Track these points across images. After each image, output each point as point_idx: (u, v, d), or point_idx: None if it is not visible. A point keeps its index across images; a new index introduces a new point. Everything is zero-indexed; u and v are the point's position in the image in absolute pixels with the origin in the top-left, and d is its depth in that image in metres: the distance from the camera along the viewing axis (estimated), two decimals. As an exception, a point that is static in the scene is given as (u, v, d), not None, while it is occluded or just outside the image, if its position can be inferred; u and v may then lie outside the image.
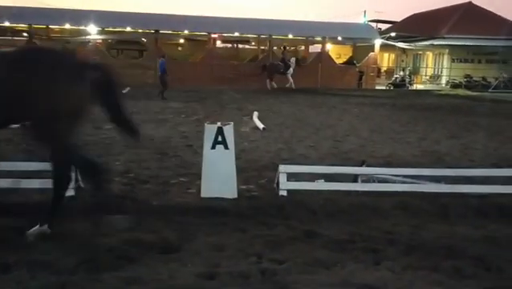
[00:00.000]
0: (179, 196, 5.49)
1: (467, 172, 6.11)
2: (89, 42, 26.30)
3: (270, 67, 24.97)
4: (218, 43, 29.69)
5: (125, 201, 5.17)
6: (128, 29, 25.85)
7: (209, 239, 4.19)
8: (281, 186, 5.46)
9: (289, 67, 25.34)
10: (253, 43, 33.07)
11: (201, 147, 5.54)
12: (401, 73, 30.99)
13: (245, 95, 19.73)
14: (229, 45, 34.44)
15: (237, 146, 7.46)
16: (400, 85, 28.56)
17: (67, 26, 24.88)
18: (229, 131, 5.33)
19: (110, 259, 3.66)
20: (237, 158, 5.74)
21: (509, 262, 3.81)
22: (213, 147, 5.29)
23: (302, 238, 4.26)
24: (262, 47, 30.99)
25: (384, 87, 28.32)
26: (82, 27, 25.18)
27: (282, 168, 5.56)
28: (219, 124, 5.34)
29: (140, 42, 30.02)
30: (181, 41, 30.56)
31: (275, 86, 24.36)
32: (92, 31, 25.50)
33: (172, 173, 6.49)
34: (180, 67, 25.55)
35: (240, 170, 5.95)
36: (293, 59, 26.14)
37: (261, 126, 10.84)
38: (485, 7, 32.90)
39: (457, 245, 4.15)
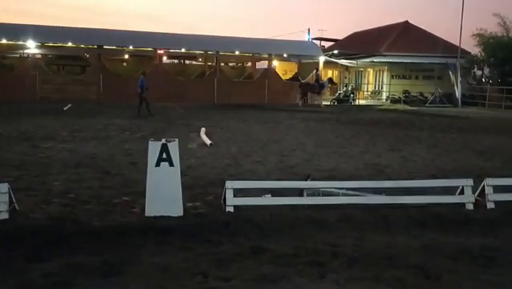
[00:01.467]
0: (122, 216, 5.32)
1: (406, 184, 6.38)
2: (27, 56, 25.24)
3: (305, 87, 27.00)
4: (164, 59, 29.40)
5: (65, 223, 4.94)
6: (70, 44, 25.04)
7: (154, 260, 4.07)
8: (227, 202, 5.43)
9: (323, 86, 27.02)
10: (200, 59, 33.06)
11: (146, 164, 5.42)
12: (344, 89, 32.04)
13: (193, 112, 19.63)
14: (176, 61, 34.23)
15: (184, 163, 7.40)
16: (343, 100, 29.48)
17: (4, 40, 23.73)
18: (174, 147, 5.25)
19: (46, 286, 3.47)
20: (183, 175, 5.67)
21: (446, 270, 3.98)
22: (158, 164, 5.18)
23: (248, 255, 4.24)
24: (209, 63, 31.06)
25: (328, 103, 29.13)
26: (20, 42, 24.13)
27: (229, 184, 5.53)
28: (164, 140, 5.25)
29: (83, 57, 29.17)
30: (126, 56, 29.99)
31: (303, 103, 26.09)
32: (31, 46, 24.49)
33: (115, 192, 6.29)
34: (124, 83, 25.06)
35: (186, 187, 5.88)
36: (326, 79, 27.81)
37: (208, 142, 10.80)
38: (420, 26, 34.87)
39: (398, 255, 4.30)
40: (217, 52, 27.60)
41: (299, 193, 5.98)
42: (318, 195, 5.99)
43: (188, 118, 16.82)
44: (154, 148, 5.20)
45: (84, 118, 16.04)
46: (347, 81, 35.80)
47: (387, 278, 3.80)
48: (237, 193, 5.64)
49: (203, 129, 12.50)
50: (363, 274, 3.86)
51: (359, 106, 28.40)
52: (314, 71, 28.01)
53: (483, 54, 30.82)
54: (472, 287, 3.70)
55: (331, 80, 28.27)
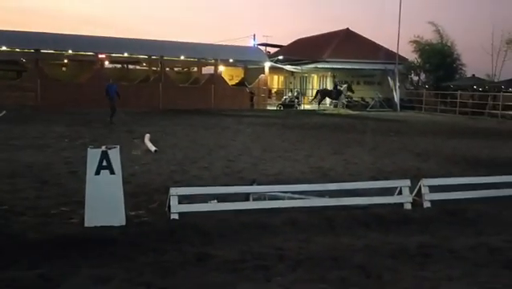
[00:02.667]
0: (60, 227, 5.08)
1: (349, 186, 6.55)
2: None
3: (322, 93, 28.02)
4: (106, 64, 28.55)
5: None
6: (4, 48, 23.71)
7: (94, 272, 3.91)
8: (172, 210, 5.33)
9: (341, 92, 27.74)
10: (144, 64, 32.42)
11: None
12: (290, 94, 32.55)
13: (137, 117, 19.17)
14: (119, 65, 33.33)
15: (127, 170, 7.20)
16: (289, 105, 29.96)
17: None
18: (114, 155, 5.08)
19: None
20: (126, 183, 5.52)
21: (386, 269, 4.12)
22: (98, 172, 4.99)
23: (193, 262, 4.17)
24: (154, 68, 30.51)
25: (274, 108, 29.49)
26: None
27: (173, 190, 5.44)
28: (104, 147, 5.07)
29: (19, 62, 27.72)
30: (65, 61, 28.83)
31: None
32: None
33: (53, 203, 6.00)
34: (64, 89, 24.08)
35: (129, 195, 5.72)
36: (344, 86, 28.15)
37: (152, 148, 10.57)
38: (361, 34, 36.16)
39: (342, 255, 4.40)
40: (162, 57, 27.20)
41: (245, 197, 5.99)
42: (264, 199, 6.04)
43: (132, 124, 16.40)
44: (93, 155, 5.01)
45: (20, 125, 15.21)
46: (292, 86, 36.43)
47: (331, 278, 3.87)
48: (183, 199, 5.56)
49: (147, 135, 12.23)
50: (308, 276, 3.91)
51: (305, 111, 28.97)
52: (333, 77, 29.10)
53: (419, 60, 32.48)
54: (410, 284, 3.84)
55: (349, 87, 28.77)
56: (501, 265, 4.24)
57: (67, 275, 3.82)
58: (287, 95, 32.67)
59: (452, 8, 58.81)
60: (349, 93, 28.89)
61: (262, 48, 38.32)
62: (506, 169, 8.87)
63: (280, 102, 31.15)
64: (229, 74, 33.73)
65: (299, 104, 30.63)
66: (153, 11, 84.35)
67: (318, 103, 28.64)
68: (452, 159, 10.58)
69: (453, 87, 29.57)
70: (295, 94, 31.97)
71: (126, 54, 26.80)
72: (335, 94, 28.10)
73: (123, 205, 5.11)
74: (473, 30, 56.32)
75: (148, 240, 4.66)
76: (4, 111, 19.19)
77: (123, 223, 5.05)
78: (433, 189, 6.32)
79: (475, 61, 55.84)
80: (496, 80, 30.09)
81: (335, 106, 28.47)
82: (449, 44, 31.56)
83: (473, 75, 31.89)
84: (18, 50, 24.61)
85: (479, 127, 19.77)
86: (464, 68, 32.51)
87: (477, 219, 5.71)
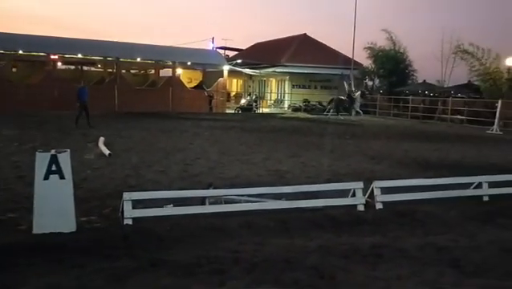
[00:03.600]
0: (7, 234, 4.86)
1: (304, 189, 6.65)
2: None
3: (336, 102, 26.66)
4: (59, 65, 27.61)
5: None
6: None
7: (43, 280, 3.77)
8: (125, 215, 5.23)
9: (354, 100, 26.67)
10: (99, 66, 31.59)
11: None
12: (248, 98, 32.69)
13: (92, 120, 18.62)
14: (72, 67, 32.32)
15: (79, 174, 7.00)
16: (247, 109, 30.06)
17: None
18: (64, 159, 4.92)
19: None
20: (78, 188, 5.37)
21: (339, 269, 4.20)
22: (47, 177, 4.82)
23: (147, 268, 4.10)
24: (109, 70, 29.81)
25: (233, 111, 29.49)
26: None
27: (127, 195, 5.33)
28: (53, 151, 4.90)
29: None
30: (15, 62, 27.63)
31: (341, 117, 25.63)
32: None
33: (0, 209, 5.73)
34: (14, 90, 23.07)
35: (80, 201, 5.56)
36: (358, 94, 27.09)
37: (106, 152, 10.31)
38: (318, 39, 36.85)
39: (296, 257, 4.45)
40: (118, 58, 26.60)
41: (202, 201, 5.95)
42: (221, 203, 6.02)
43: (85, 127, 15.92)
44: (42, 159, 4.83)
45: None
46: (251, 90, 36.61)
47: (285, 280, 3.91)
48: (137, 204, 5.45)
49: (102, 139, 11.91)
50: (263, 278, 3.94)
51: (263, 114, 29.15)
52: (347, 87, 27.50)
53: (373, 66, 33.46)
54: (362, 284, 3.94)
55: (363, 94, 27.89)
56: (448, 264, 4.42)
57: (14, 284, 3.66)
58: (245, 99, 32.78)
59: (406, 17, 61.13)
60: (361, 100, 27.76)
61: (221, 51, 38.32)
62: (454, 171, 9.30)
63: (238, 105, 31.19)
64: (187, 77, 33.45)
65: (257, 108, 30.80)
66: (111, 12, 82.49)
67: (337, 113, 26.46)
68: (403, 161, 10.95)
69: (407, 92, 30.62)
70: (254, 97, 32.14)
71: (80, 56, 26.04)
72: (348, 102, 27.01)
73: (73, 210, 4.96)
74: (425, 38, 58.75)
75: (100, 246, 4.54)
76: None
77: (74, 229, 4.89)
78: (385, 190, 6.52)
79: (426, 68, 58.16)
80: (445, 86, 31.42)
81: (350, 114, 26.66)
82: (401, 51, 32.69)
83: (424, 80, 33.18)
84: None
85: (429, 130, 20.58)
86: (416, 74, 33.75)
87: (426, 220, 5.94)
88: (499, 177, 7.55)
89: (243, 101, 32.00)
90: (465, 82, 30.18)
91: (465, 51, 27.07)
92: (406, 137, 16.49)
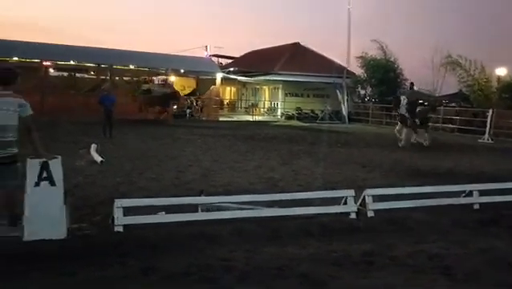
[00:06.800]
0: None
1: (296, 196, 6.65)
2: None
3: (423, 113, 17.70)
4: (52, 72, 27.53)
5: None
6: None
7: (31, 288, 3.73)
8: (116, 222, 5.19)
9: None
10: (92, 73, 31.53)
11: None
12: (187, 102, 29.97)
13: (83, 128, 18.53)
14: (66, 74, 32.22)
15: (70, 181, 6.94)
16: (181, 115, 27.70)
17: None
18: (56, 165, 4.90)
19: None
20: (68, 195, 5.30)
21: (331, 277, 4.20)
22: (38, 184, 4.79)
23: (137, 276, 4.07)
24: (103, 77, 29.75)
25: (226, 119, 29.46)
26: None
27: (118, 202, 5.30)
28: (44, 158, 4.87)
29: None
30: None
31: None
32: None
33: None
34: (5, 97, 22.88)
35: (72, 208, 5.50)
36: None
37: (98, 159, 10.26)
38: (311, 48, 37.04)
39: (288, 265, 4.44)
40: (111, 65, 26.58)
41: (194, 208, 5.93)
42: (213, 210, 6.00)
43: (78, 134, 15.84)
44: (33, 166, 4.80)
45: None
46: (244, 98, 36.68)
47: (276, 288, 3.90)
48: (128, 211, 5.42)
49: (94, 146, 11.85)
50: (254, 287, 3.93)
51: (256, 122, 29.18)
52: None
53: (365, 74, 33.68)
54: (353, 291, 3.95)
55: (433, 108, 20.73)
56: (440, 271, 4.44)
57: (1, 293, 3.62)
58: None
59: (401, 26, 61.73)
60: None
61: (215, 59, 38.42)
62: (445, 179, 9.36)
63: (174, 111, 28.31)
64: (181, 84, 33.47)
65: (193, 114, 29.08)
66: (104, 20, 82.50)
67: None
68: (395, 169, 11.00)
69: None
70: (192, 101, 30.19)
71: (73, 62, 25.99)
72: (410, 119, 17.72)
73: (64, 217, 4.92)
74: (419, 48, 59.36)
75: (91, 254, 4.51)
76: None
77: (64, 236, 4.85)
78: (377, 198, 6.54)
79: (420, 77, 58.65)
80: (437, 95, 31.69)
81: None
82: (392, 60, 32.95)
83: (419, 89, 33.41)
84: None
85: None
86: (407, 83, 33.99)
87: (417, 227, 5.97)
88: (490, 185, 7.61)
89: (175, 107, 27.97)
90: (456, 91, 30.50)
91: (454, 62, 27.42)
92: (398, 146, 16.55)
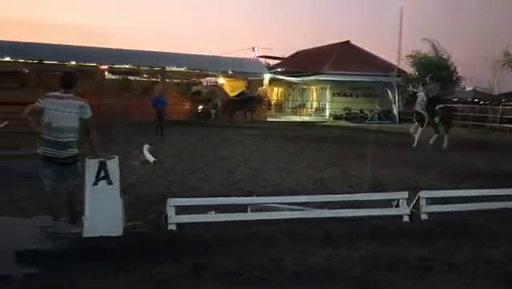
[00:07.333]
0: (59, 237, 5.06)
1: (347, 198, 6.54)
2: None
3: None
4: (108, 75, 28.68)
5: None
6: (7, 59, 23.88)
7: (92, 283, 3.90)
8: (169, 220, 5.33)
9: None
10: (145, 75, 32.53)
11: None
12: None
13: (137, 129, 19.15)
14: (120, 77, 33.46)
15: (125, 181, 7.17)
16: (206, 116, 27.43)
17: None
18: (113, 165, 5.09)
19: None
20: (124, 193, 5.50)
21: (384, 281, 4.11)
22: (96, 183, 5.00)
23: (190, 273, 4.16)
24: (154, 79, 30.62)
25: (275, 119, 29.45)
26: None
27: (171, 201, 5.44)
28: (102, 158, 5.08)
29: (21, 72, 27.84)
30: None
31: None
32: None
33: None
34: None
35: (127, 206, 5.70)
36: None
37: (151, 159, 10.56)
38: (361, 46, 36.39)
39: (339, 267, 4.38)
40: (163, 68, 27.31)
41: (244, 208, 5.98)
42: (263, 210, 6.02)
43: (131, 135, 16.40)
44: (92, 166, 5.02)
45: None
46: (291, 98, 36.58)
47: (328, 291, 3.86)
48: (181, 210, 5.55)
49: (146, 146, 12.22)
50: (306, 288, 3.90)
51: (304, 122, 28.99)
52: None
53: (417, 73, 32.60)
54: (408, 297, 3.83)
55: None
56: (500, 278, 4.23)
57: (62, 287, 3.81)
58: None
59: (454, 22, 59.23)
60: None
61: (263, 60, 38.59)
62: (505, 182, 8.87)
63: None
64: (230, 86, 33.85)
65: (217, 115, 28.11)
66: (156, 24, 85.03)
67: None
68: (450, 171, 10.57)
69: (455, 100, 29.59)
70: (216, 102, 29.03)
71: (128, 66, 26.95)
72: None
73: (121, 215, 5.11)
74: (475, 44, 56.66)
75: (145, 251, 4.65)
76: (6, 121, 19.19)
77: (121, 234, 5.03)
78: (431, 201, 6.31)
79: (474, 75, 56.03)
80: (496, 93, 30.20)
81: None
82: (444, 57, 31.68)
83: (475, 87, 32.02)
84: (21, 60, 24.76)
85: (479, 139, 19.76)
86: (463, 82, 32.63)
87: (475, 232, 5.69)
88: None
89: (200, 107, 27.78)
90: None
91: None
92: (453, 146, 15.89)
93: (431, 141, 15.39)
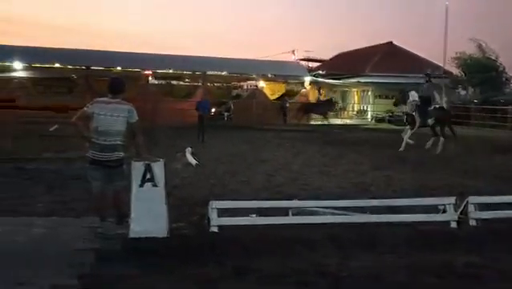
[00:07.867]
0: (106, 237, 5.23)
1: (391, 202, 6.39)
2: (14, 78, 25.12)
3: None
4: (151, 80, 29.46)
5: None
6: (57, 65, 25.03)
7: (136, 283, 4.00)
8: (212, 223, 5.40)
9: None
10: (187, 80, 33.18)
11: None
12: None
13: (180, 132, 19.53)
14: (163, 81, 34.27)
15: (169, 183, 7.31)
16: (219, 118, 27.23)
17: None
18: (158, 168, 5.22)
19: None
20: (168, 195, 5.62)
21: (432, 288, 3.98)
22: (142, 185, 5.14)
23: (233, 275, 4.19)
24: (195, 84, 31.15)
25: (316, 123, 29.21)
26: (7, 63, 24.09)
27: (213, 204, 5.51)
28: (147, 160, 5.22)
29: (70, 78, 29.10)
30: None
31: None
32: (18, 67, 24.44)
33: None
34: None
35: (171, 208, 5.82)
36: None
37: (193, 162, 10.75)
38: (404, 47, 35.57)
39: (384, 273, 4.29)
40: (205, 72, 27.75)
41: (285, 212, 5.97)
42: (305, 214, 5.99)
43: (174, 138, 16.74)
44: (138, 168, 5.16)
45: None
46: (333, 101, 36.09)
47: (372, 297, 3.79)
48: (223, 213, 5.61)
49: (189, 149, 12.42)
50: (349, 294, 3.85)
51: (346, 125, 28.60)
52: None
53: (463, 75, 31.49)
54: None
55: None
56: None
57: (108, 286, 3.93)
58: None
59: (498, 22, 56.82)
60: None
61: (304, 63, 38.49)
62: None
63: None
64: (270, 89, 33.91)
65: (230, 118, 28.15)
66: (196, 29, 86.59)
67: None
68: (501, 176, 10.11)
69: (503, 101, 28.31)
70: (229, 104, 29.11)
71: (171, 71, 27.57)
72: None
73: (166, 217, 5.22)
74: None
75: (189, 252, 4.73)
76: (56, 125, 20.05)
77: (166, 235, 5.14)
78: (481, 207, 6.07)
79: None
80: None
81: None
82: (493, 58, 30.38)
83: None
84: (69, 67, 25.87)
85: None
86: None
87: (529, 239, 5.43)
88: None
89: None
90: None
91: None
92: (504, 150, 15.19)
93: (438, 151, 14.10)
